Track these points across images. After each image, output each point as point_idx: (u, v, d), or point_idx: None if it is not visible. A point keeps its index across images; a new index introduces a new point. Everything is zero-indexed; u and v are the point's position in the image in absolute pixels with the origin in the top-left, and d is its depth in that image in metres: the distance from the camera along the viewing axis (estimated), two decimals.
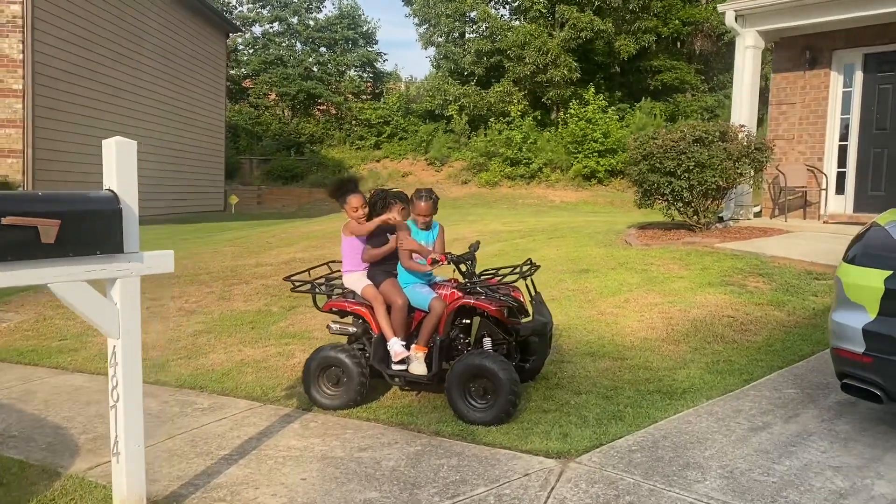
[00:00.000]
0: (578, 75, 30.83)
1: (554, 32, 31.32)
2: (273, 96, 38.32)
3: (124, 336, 3.46)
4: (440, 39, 35.78)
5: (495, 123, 31.32)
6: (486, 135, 31.38)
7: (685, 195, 10.84)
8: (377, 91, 39.59)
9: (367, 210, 5.46)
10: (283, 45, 39.75)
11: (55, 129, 16.10)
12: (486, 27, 33.68)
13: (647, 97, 31.89)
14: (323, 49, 40.02)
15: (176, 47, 22.11)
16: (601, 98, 29.70)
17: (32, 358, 6.67)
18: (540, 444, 4.53)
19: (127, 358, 3.48)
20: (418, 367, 5.14)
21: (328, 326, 5.56)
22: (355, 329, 5.44)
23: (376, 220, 5.28)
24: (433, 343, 5.14)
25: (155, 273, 3.61)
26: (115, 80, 18.60)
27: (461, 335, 5.35)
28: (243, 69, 39.80)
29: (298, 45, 40.15)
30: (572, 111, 29.61)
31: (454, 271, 5.41)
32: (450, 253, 5.23)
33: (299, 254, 11.97)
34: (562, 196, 28.26)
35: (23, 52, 15.09)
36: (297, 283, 5.48)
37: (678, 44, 34.02)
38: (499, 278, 5.52)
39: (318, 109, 38.81)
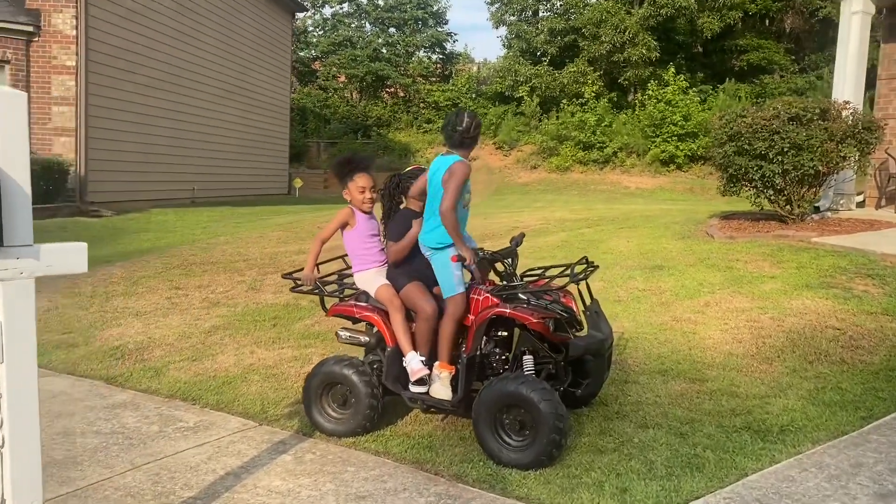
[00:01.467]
0: (658, 55, 29.01)
1: (632, 9, 29.57)
2: (342, 78, 37.75)
3: (9, 360, 2.56)
4: (512, 18, 34.42)
5: (568, 105, 29.89)
6: (557, 117, 29.99)
7: (777, 181, 9.43)
8: (446, 73, 38.52)
9: (375, 195, 4.45)
10: (353, 25, 39.07)
11: (109, 107, 15.70)
12: (561, 4, 32.16)
13: (731, 78, 29.81)
14: (392, 30, 39.17)
15: (239, 26, 21.59)
16: (682, 79, 27.87)
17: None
18: (590, 502, 3.46)
19: (15, 389, 2.58)
20: (441, 390, 4.13)
21: (336, 334, 4.60)
22: (368, 339, 4.47)
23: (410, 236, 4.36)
24: (459, 360, 4.12)
25: (58, 273, 2.67)
26: (175, 58, 18.14)
27: (497, 349, 4.30)
28: (312, 51, 39.37)
29: (368, 25, 39.41)
30: (650, 92, 27.93)
31: (489, 272, 4.36)
32: (481, 249, 4.17)
33: None
34: (637, 182, 26.70)
35: (76, 27, 14.68)
36: (297, 282, 4.53)
37: (766, 21, 31.68)
38: (546, 280, 4.43)
39: (387, 92, 38.04)
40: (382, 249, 4.51)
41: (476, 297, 4.21)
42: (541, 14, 34.14)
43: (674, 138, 26.82)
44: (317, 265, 4.80)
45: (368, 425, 4.27)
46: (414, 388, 4.19)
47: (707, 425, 4.36)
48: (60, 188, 14.48)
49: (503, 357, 4.31)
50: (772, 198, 9.86)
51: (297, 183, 26.13)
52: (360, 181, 4.37)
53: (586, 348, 4.05)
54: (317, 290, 4.45)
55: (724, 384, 5.00)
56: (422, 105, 35.42)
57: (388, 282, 4.37)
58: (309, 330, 6.55)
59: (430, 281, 4.37)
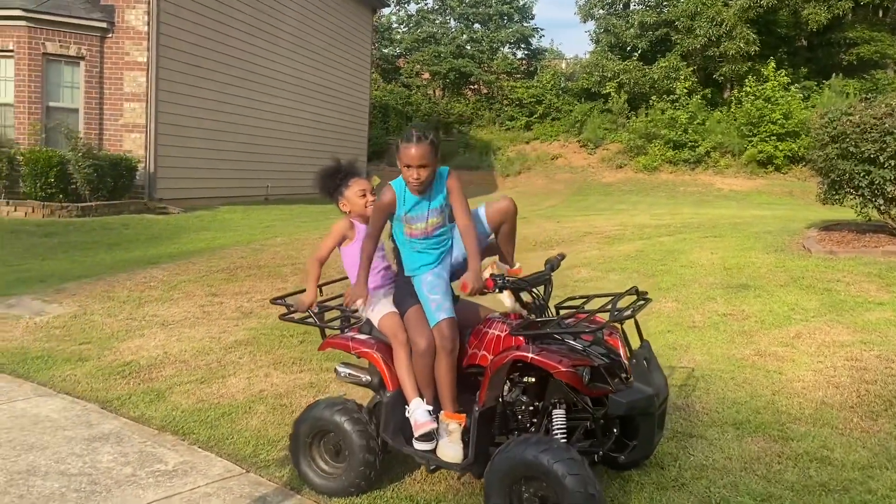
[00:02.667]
0: (757, 48, 27.10)
1: (730, 1, 27.77)
2: (426, 75, 37.24)
3: None
4: (601, 12, 33.05)
5: (658, 102, 28.36)
6: (646, 115, 28.50)
7: (888, 189, 8.19)
8: (531, 69, 37.42)
9: (375, 197, 3.74)
10: (437, 22, 38.48)
11: (179, 103, 15.59)
12: None
13: (838, 74, 27.56)
14: (477, 25, 38.35)
15: (317, 21, 21.31)
16: (783, 74, 25.94)
17: (38, 365, 5.55)
18: None
19: None
20: (448, 449, 3.37)
21: (335, 370, 3.89)
22: (370, 378, 3.73)
23: None
24: (472, 411, 3.34)
25: None
26: (249, 53, 17.95)
27: (524, 397, 3.49)
28: (396, 48, 39.05)
29: (452, 21, 38.75)
30: (748, 89, 26.12)
31: (514, 301, 3.54)
32: (501, 275, 3.37)
33: None
34: (731, 184, 25.02)
35: (148, 23, 14.60)
36: (290, 308, 3.84)
37: (880, 12, 29.16)
38: (586, 315, 3.58)
39: (469, 88, 37.29)
40: (389, 267, 3.79)
41: (493, 332, 3.42)
42: (631, 7, 32.65)
43: (772, 138, 25.00)
44: (320, 286, 4.12)
45: (364, 484, 3.55)
46: (418, 445, 3.44)
47: None
48: (129, 184, 14.44)
49: (532, 407, 3.50)
50: (882, 208, 8.60)
51: (375, 181, 25.55)
52: (359, 185, 3.73)
53: (629, 406, 3.20)
54: (310, 319, 3.75)
55: (813, 445, 4.03)
56: (505, 102, 34.51)
57: (394, 309, 3.64)
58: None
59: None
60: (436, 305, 3.39)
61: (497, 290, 3.37)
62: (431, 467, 3.61)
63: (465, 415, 3.38)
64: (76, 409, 4.73)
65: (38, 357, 5.76)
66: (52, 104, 14.26)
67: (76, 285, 8.05)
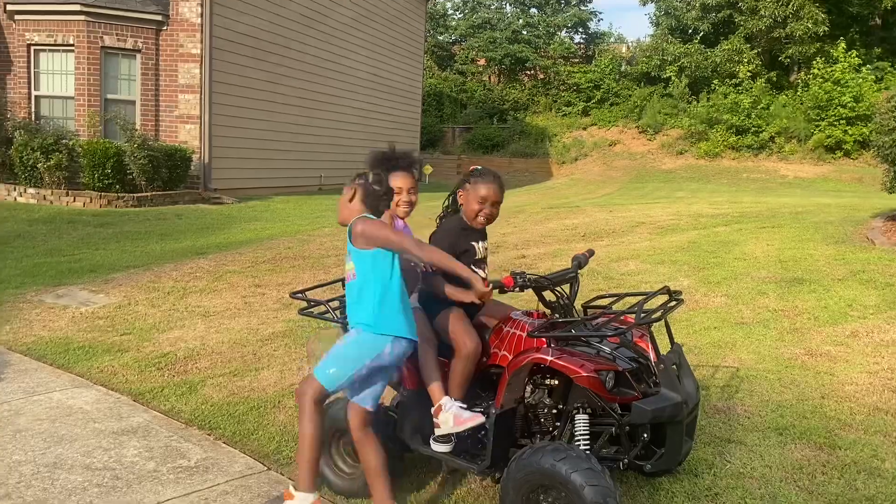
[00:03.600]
0: (826, 29, 26.02)
1: None
2: (481, 62, 36.98)
3: None
4: None
5: (720, 86, 27.55)
6: (708, 99, 27.73)
7: None
8: (588, 54, 36.79)
9: (415, 198, 3.62)
10: (492, 7, 38.13)
11: (233, 94, 15.78)
12: None
13: None
14: (533, 10, 37.88)
15: (370, 9, 21.29)
16: (853, 55, 24.84)
17: (78, 355, 5.64)
18: None
19: None
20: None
21: None
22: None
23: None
24: (490, 413, 3.21)
25: None
26: (301, 43, 18.04)
27: (546, 400, 3.34)
28: (451, 35, 38.85)
29: (507, 6, 38.37)
30: (816, 71, 25.15)
31: (538, 303, 3.39)
32: (522, 273, 3.21)
33: None
34: (796, 171, 24.15)
35: (201, 15, 14.78)
36: (310, 304, 3.77)
37: None
38: (613, 315, 3.40)
39: (525, 74, 36.87)
40: (414, 265, 3.67)
41: (513, 331, 3.28)
42: None
43: (842, 122, 24.01)
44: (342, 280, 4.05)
45: None
46: (435, 447, 3.33)
47: None
48: (184, 175, 14.69)
49: (555, 411, 3.35)
50: None
51: (428, 169, 25.68)
52: (398, 181, 3.51)
53: (654, 414, 3.02)
54: (328, 315, 3.67)
55: (863, 455, 3.77)
56: (561, 87, 34.02)
57: (419, 306, 3.53)
58: None
59: (470, 314, 3.50)
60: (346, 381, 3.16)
61: (517, 289, 3.22)
62: (449, 469, 3.51)
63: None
64: (109, 402, 4.77)
65: (80, 348, 5.85)
66: (109, 96, 14.59)
67: (124, 276, 8.19)
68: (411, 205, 3.61)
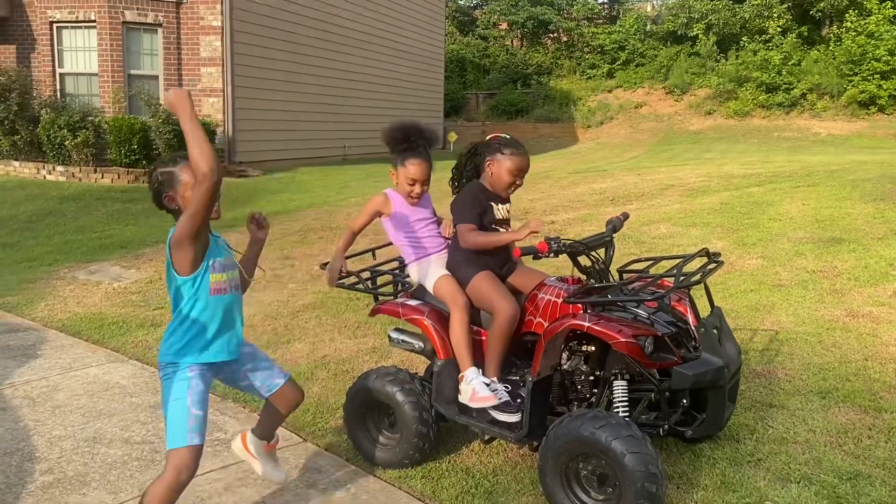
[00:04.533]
0: None
1: None
2: (503, 26, 36.40)
3: None
4: None
5: (749, 43, 26.88)
6: (737, 57, 27.11)
7: None
8: (613, 14, 36.03)
9: (426, 189, 3.51)
10: None
11: (255, 66, 15.69)
12: None
13: None
14: None
15: None
16: (888, 6, 24.04)
17: (112, 331, 5.69)
18: None
19: None
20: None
21: (388, 336, 3.78)
22: (423, 345, 3.60)
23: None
24: (526, 381, 3.16)
25: None
26: (322, 12, 17.85)
27: (584, 366, 3.28)
28: None
29: None
30: (848, 24, 24.41)
31: (573, 268, 3.32)
32: (556, 238, 3.13)
33: None
34: (829, 128, 23.59)
35: None
36: (341, 274, 3.73)
37: None
38: (649, 279, 3.31)
39: (548, 37, 36.24)
40: (437, 235, 3.60)
41: (548, 297, 3.21)
42: None
43: (876, 76, 23.34)
44: (373, 250, 4.03)
45: (418, 456, 3.44)
46: (498, 415, 3.28)
47: (878, 486, 3.13)
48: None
49: (592, 378, 3.29)
50: None
51: (452, 137, 25.49)
52: (413, 171, 3.39)
53: (695, 379, 2.95)
54: (360, 285, 3.63)
55: None
56: (585, 50, 33.42)
57: (448, 272, 3.47)
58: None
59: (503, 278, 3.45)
60: (192, 425, 2.73)
61: (552, 254, 3.14)
62: (486, 438, 3.48)
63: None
64: (145, 376, 4.81)
65: (114, 323, 5.90)
66: (133, 72, 14.59)
67: (154, 251, 8.24)
68: (422, 195, 3.52)
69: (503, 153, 3.45)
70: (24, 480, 3.41)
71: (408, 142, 3.45)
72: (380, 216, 3.54)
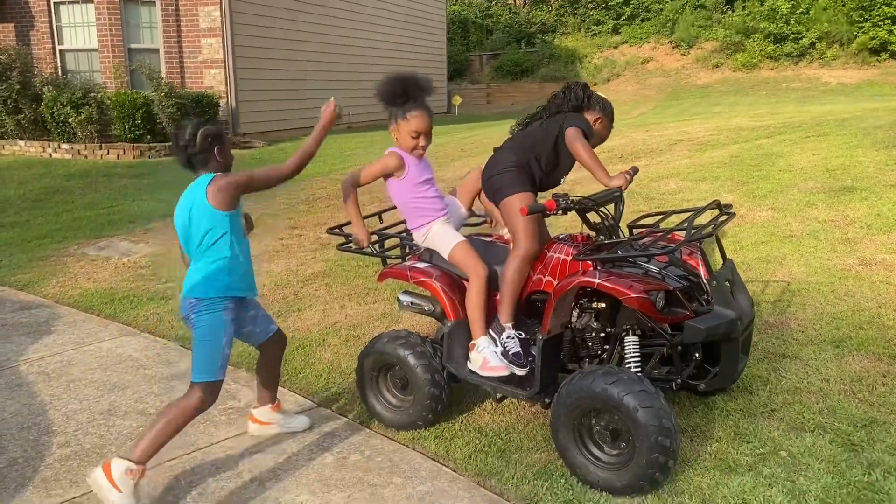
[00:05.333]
0: None
1: None
2: None
3: None
4: None
5: None
6: (744, 7, 26.57)
7: None
8: None
9: (430, 142, 3.44)
10: None
11: (256, 35, 15.53)
12: None
13: None
14: None
15: None
16: None
17: (123, 306, 5.71)
18: None
19: None
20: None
21: (398, 299, 3.77)
22: (433, 308, 3.59)
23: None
24: (537, 339, 3.15)
25: None
26: None
27: (595, 324, 3.27)
28: None
29: None
30: None
31: (582, 225, 3.28)
32: (564, 195, 3.09)
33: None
34: (839, 76, 23.19)
35: None
36: (348, 238, 3.72)
37: None
38: (660, 234, 3.27)
39: None
40: (441, 197, 3.56)
41: (558, 255, 3.19)
42: None
43: (886, 21, 22.84)
44: (379, 213, 4.01)
45: (431, 417, 3.46)
46: (484, 372, 3.28)
47: (893, 432, 3.12)
48: (212, 121, 14.60)
49: (603, 334, 3.28)
50: None
51: (457, 100, 25.27)
52: (415, 123, 3.30)
53: (708, 332, 2.92)
54: (368, 248, 3.60)
55: None
56: (590, 6, 32.85)
57: (462, 238, 3.43)
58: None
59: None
60: (224, 361, 3.13)
61: (560, 212, 3.10)
62: (498, 396, 3.49)
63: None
64: (156, 349, 4.83)
65: (125, 297, 5.92)
66: (133, 46, 14.47)
67: (162, 224, 8.24)
68: (426, 148, 3.45)
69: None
70: (42, 454, 3.45)
71: (406, 94, 3.37)
72: (387, 178, 3.47)
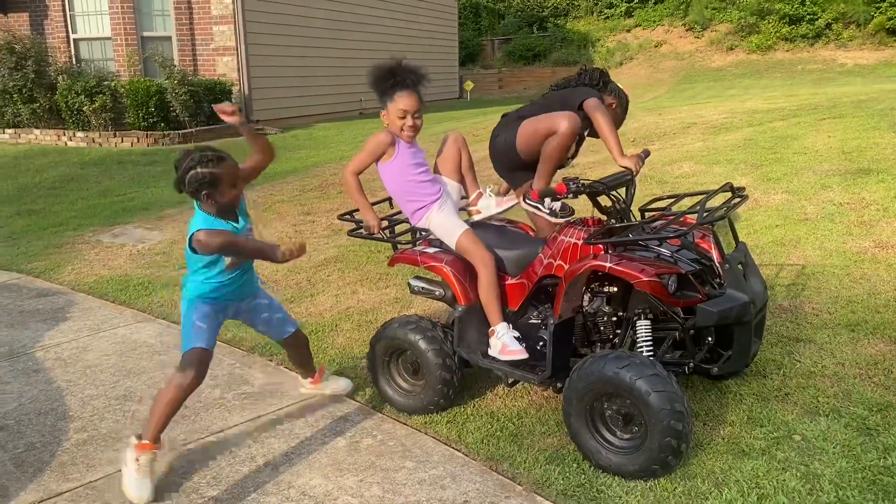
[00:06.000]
0: None
1: None
2: None
3: None
4: None
5: None
6: None
7: None
8: None
9: (420, 121, 3.43)
10: None
11: (267, 21, 15.51)
12: None
13: None
14: None
15: None
16: None
17: (137, 292, 5.75)
18: None
19: None
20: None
21: (409, 284, 3.77)
22: (443, 292, 3.59)
23: None
24: (548, 324, 3.15)
25: None
26: None
27: (606, 308, 3.26)
28: None
29: None
30: None
31: (593, 209, 3.27)
32: (575, 178, 3.08)
33: None
34: (856, 58, 22.89)
35: None
36: (359, 224, 3.73)
37: None
38: (671, 217, 3.25)
39: None
40: (433, 181, 3.53)
41: (569, 239, 3.17)
42: None
43: None
44: (388, 199, 4.01)
45: (442, 402, 3.47)
46: (500, 357, 3.28)
47: None
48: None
49: (615, 318, 3.27)
50: None
51: (468, 86, 25.15)
52: (402, 102, 3.32)
53: (721, 315, 2.90)
54: (377, 235, 3.61)
55: None
56: None
57: (467, 226, 3.42)
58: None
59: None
60: (196, 331, 3.23)
61: (571, 195, 3.09)
62: (510, 381, 3.49)
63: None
64: (172, 334, 4.86)
65: (140, 284, 5.96)
66: (145, 34, 14.49)
67: (176, 211, 8.28)
68: (415, 129, 3.42)
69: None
70: (59, 439, 3.49)
71: (393, 77, 3.37)
72: (378, 160, 3.46)
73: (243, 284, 3.31)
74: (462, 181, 3.64)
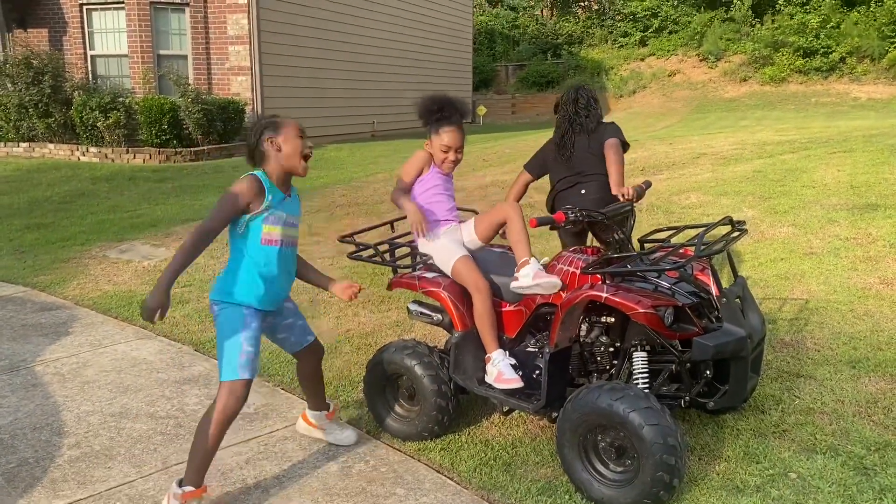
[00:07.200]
0: None
1: None
2: None
3: None
4: None
5: (786, 6, 26.12)
6: (773, 21, 26.36)
7: None
8: None
9: (461, 157, 3.49)
10: None
11: (283, 43, 15.68)
12: None
13: None
14: None
15: None
16: None
17: (138, 309, 5.76)
18: None
19: None
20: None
21: (408, 308, 3.77)
22: (440, 317, 3.58)
23: None
24: (544, 353, 3.13)
25: None
26: None
27: (603, 338, 3.24)
28: None
29: None
30: None
31: (592, 239, 3.26)
32: (574, 208, 3.07)
33: (507, 175, 10.15)
34: (869, 92, 22.89)
35: None
36: (359, 247, 3.73)
37: None
38: (670, 249, 3.24)
39: (579, 6, 35.64)
40: (454, 209, 3.56)
41: (566, 268, 3.16)
42: None
43: None
44: (391, 223, 4.02)
45: (437, 429, 3.44)
46: (496, 383, 3.27)
47: None
48: (238, 127, 14.76)
49: (612, 349, 3.25)
50: None
51: (481, 111, 25.30)
52: (447, 138, 3.41)
53: (717, 349, 2.88)
54: (377, 258, 3.62)
55: None
56: (617, 17, 32.76)
57: (465, 252, 3.42)
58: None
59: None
60: (245, 359, 2.98)
61: (569, 225, 3.09)
62: (505, 409, 3.47)
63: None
64: (171, 352, 4.87)
65: (143, 300, 5.97)
66: (162, 52, 14.68)
67: (184, 229, 8.32)
68: (456, 163, 3.53)
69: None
70: (52, 454, 3.49)
71: (441, 112, 3.45)
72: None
73: (284, 283, 3.17)
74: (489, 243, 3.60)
